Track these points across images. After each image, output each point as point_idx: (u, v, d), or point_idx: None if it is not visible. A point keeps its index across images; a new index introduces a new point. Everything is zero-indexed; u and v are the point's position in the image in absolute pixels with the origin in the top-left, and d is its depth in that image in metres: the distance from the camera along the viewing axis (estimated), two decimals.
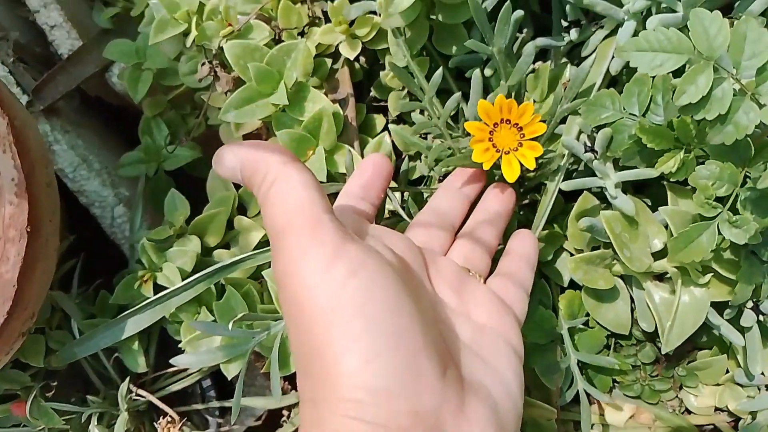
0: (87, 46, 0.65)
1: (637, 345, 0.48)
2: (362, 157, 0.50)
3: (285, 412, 0.56)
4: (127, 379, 0.51)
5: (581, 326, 0.48)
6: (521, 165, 0.39)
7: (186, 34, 0.51)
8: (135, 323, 0.49)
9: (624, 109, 0.38)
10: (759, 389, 0.47)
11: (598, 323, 0.47)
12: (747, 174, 0.34)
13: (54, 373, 0.55)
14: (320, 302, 0.26)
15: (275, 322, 0.44)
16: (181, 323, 0.50)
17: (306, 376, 0.27)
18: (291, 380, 0.54)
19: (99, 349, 0.50)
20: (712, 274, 0.38)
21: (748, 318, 0.41)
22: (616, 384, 0.50)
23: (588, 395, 0.47)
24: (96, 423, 0.51)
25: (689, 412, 0.50)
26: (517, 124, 0.39)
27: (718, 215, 0.33)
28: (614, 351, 0.49)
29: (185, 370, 0.56)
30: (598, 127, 0.40)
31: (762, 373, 0.46)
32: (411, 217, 0.46)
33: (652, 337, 0.47)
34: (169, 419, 0.48)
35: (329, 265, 0.27)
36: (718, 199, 0.34)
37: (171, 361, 0.47)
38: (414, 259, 0.34)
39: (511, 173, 0.39)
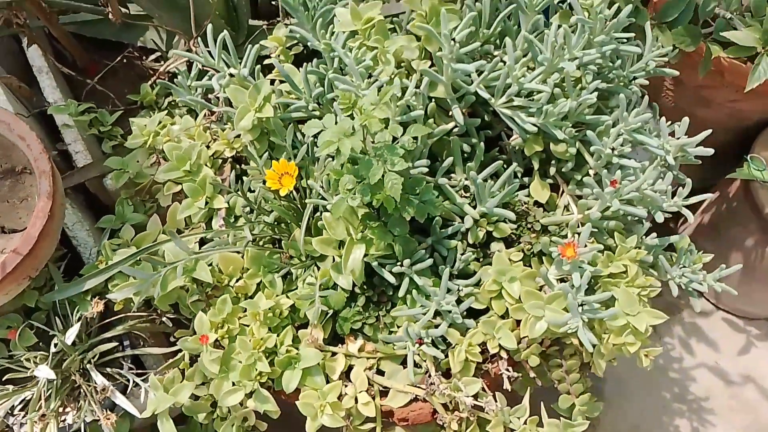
0: (94, 163, 1.13)
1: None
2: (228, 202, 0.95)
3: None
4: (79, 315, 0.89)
5: (334, 290, 0.88)
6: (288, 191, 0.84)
7: (148, 144, 1.00)
8: (91, 282, 0.89)
9: None
10: None
11: (342, 288, 0.87)
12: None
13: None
14: None
15: (163, 269, 0.84)
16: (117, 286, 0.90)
17: None
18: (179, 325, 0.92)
19: (70, 295, 0.89)
20: (362, 238, 0.81)
21: (396, 269, 0.83)
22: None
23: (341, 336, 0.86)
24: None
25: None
26: (290, 173, 0.85)
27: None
28: (355, 306, 0.88)
29: (116, 327, 0.94)
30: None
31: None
32: None
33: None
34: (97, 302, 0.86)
35: None
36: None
37: (108, 296, 0.86)
38: None
39: (283, 191, 0.83)
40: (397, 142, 0.76)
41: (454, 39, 0.78)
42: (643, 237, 0.86)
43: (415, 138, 0.80)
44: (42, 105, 1.21)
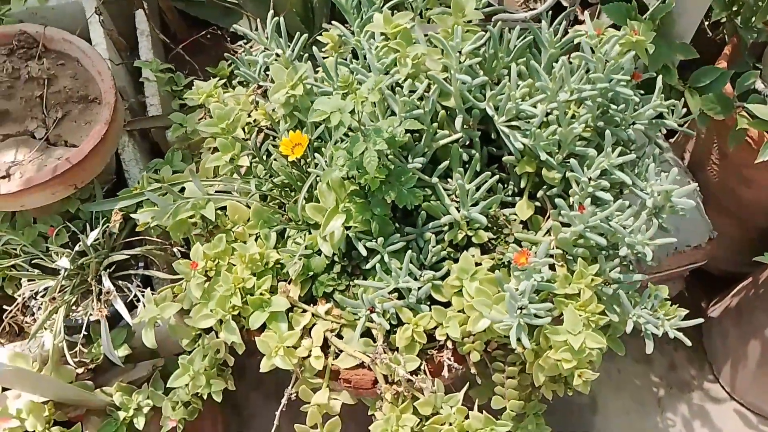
0: (162, 115, 1.31)
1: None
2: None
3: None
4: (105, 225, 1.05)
5: (316, 255, 0.98)
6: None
7: (202, 106, 1.16)
8: (124, 202, 1.04)
9: None
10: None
11: (324, 254, 0.97)
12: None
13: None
14: None
15: (180, 201, 0.98)
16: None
17: None
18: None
19: (104, 209, 1.04)
20: (345, 209, 0.90)
21: (370, 244, 0.92)
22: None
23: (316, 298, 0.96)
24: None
25: None
26: (302, 144, 0.97)
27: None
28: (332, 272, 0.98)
29: (136, 247, 1.08)
30: None
31: None
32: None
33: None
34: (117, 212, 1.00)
35: None
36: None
37: (132, 215, 1.01)
38: None
39: (292, 157, 0.95)
40: (390, 129, 0.86)
41: (460, 52, 0.88)
42: (607, 269, 0.90)
43: (410, 132, 0.90)
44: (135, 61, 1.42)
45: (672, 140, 1.70)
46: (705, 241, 1.42)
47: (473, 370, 0.92)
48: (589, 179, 0.88)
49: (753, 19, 1.32)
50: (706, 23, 1.56)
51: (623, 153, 0.91)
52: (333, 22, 1.07)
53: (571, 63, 0.91)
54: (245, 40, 1.50)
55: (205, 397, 1.02)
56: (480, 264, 0.93)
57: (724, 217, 1.51)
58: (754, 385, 1.52)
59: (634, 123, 0.94)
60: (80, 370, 1.09)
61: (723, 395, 1.60)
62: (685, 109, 1.02)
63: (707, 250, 1.44)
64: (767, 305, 1.42)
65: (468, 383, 0.94)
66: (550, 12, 1.05)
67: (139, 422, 1.10)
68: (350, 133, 0.88)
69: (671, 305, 0.97)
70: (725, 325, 1.57)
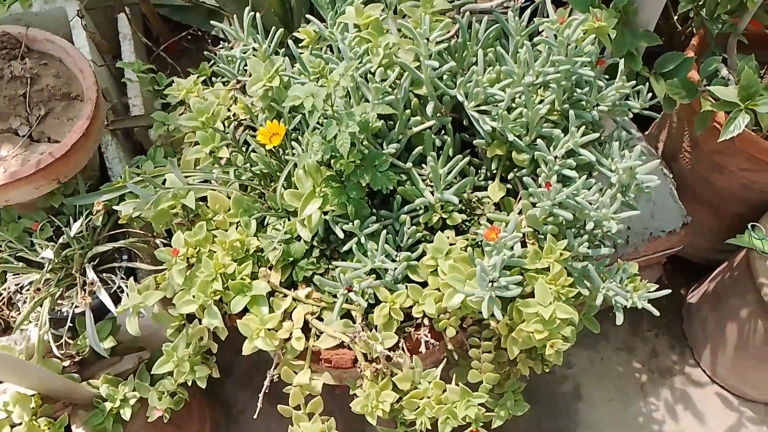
0: (145, 115, 1.34)
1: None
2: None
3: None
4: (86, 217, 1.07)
5: (296, 241, 1.00)
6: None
7: (183, 103, 1.19)
8: (106, 195, 1.06)
9: None
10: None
11: (303, 239, 1.00)
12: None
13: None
14: None
15: (162, 191, 1.00)
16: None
17: None
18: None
19: (87, 203, 1.07)
20: (322, 193, 0.93)
21: (347, 227, 0.94)
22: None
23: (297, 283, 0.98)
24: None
25: None
26: (279, 134, 1.00)
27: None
28: (311, 257, 1.00)
29: (120, 240, 1.10)
30: None
31: None
32: None
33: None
34: (99, 203, 1.02)
35: None
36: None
37: (115, 207, 1.03)
38: None
39: (269, 146, 0.98)
40: (363, 114, 0.89)
41: (428, 39, 0.91)
42: (576, 245, 0.93)
43: (384, 119, 0.93)
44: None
45: (646, 132, 1.74)
46: (679, 226, 1.45)
47: (450, 346, 0.94)
48: (555, 158, 0.91)
49: (717, 10, 1.37)
50: (675, 17, 1.61)
51: (588, 134, 0.94)
52: (308, 16, 1.10)
53: (537, 49, 0.94)
54: (227, 41, 1.54)
55: (189, 383, 1.04)
56: (454, 244, 0.96)
57: (700, 206, 1.55)
58: (733, 368, 1.55)
59: (597, 105, 0.97)
60: (66, 363, 1.10)
61: (704, 379, 1.63)
62: (650, 94, 1.06)
63: (682, 236, 1.48)
64: (741, 290, 1.46)
65: (446, 359, 0.97)
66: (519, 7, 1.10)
67: (126, 413, 1.11)
68: (325, 121, 0.91)
69: (642, 281, 1.00)
70: (704, 310, 1.61)
